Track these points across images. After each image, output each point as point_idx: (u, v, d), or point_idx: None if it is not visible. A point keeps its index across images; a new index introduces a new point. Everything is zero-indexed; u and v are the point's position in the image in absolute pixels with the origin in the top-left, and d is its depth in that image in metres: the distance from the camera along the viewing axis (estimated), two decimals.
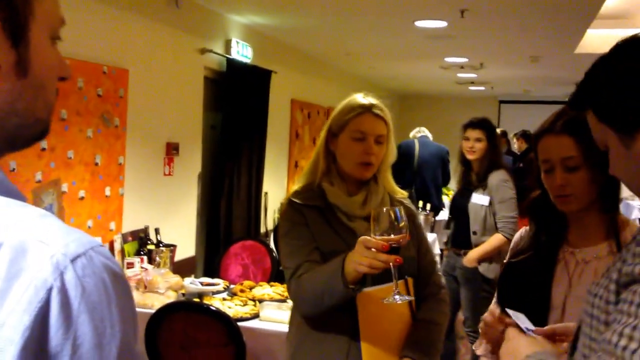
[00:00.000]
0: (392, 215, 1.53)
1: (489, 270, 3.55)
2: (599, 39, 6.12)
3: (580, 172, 1.47)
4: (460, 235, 3.64)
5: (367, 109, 1.80)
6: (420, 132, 6.30)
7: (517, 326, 1.25)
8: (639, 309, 0.84)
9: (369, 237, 1.53)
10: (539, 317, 1.45)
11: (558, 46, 6.16)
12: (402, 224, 1.54)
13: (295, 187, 1.88)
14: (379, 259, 1.49)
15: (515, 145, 8.03)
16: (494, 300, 1.66)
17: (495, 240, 3.48)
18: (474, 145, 3.52)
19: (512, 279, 1.62)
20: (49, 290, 0.59)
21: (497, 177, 3.50)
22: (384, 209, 1.56)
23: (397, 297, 1.58)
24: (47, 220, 0.65)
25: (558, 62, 7.11)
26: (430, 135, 6.29)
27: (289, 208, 1.82)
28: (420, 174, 5.94)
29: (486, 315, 1.46)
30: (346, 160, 1.81)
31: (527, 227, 1.67)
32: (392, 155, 1.88)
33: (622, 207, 7.20)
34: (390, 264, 1.50)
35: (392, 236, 1.52)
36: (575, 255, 1.52)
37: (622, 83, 0.95)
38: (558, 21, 5.04)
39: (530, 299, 1.52)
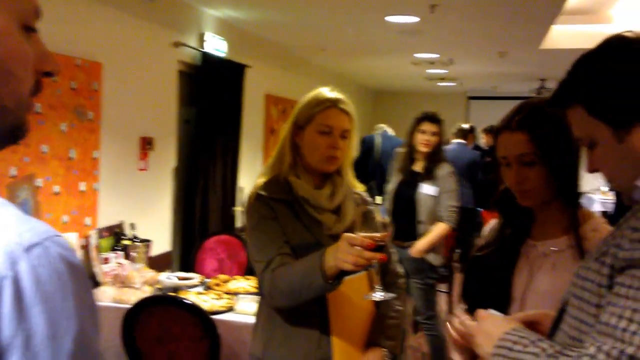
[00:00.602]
0: (377, 214, 1.57)
1: (436, 259, 3.72)
2: (563, 35, 6.26)
3: (536, 168, 1.49)
4: (403, 227, 3.67)
5: (334, 103, 1.81)
6: (380, 129, 6.85)
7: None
8: (638, 292, 0.87)
9: (353, 235, 1.55)
10: (500, 309, 1.46)
11: (524, 41, 6.27)
12: (385, 222, 1.58)
13: (261, 180, 1.86)
14: (364, 257, 1.51)
15: (483, 140, 8.17)
16: (458, 304, 1.66)
17: (440, 228, 3.65)
18: (430, 139, 3.64)
19: (476, 273, 1.65)
20: (1, 280, 0.57)
21: (445, 170, 3.70)
22: (369, 207, 1.60)
23: (380, 294, 1.61)
24: (3, 210, 0.63)
25: (524, 57, 7.25)
26: (390, 131, 6.58)
27: (257, 201, 1.80)
28: (381, 166, 6.14)
29: (456, 325, 1.39)
30: (312, 153, 1.81)
31: (497, 220, 1.69)
32: (355, 150, 1.90)
33: (584, 201, 7.45)
34: (375, 261, 1.53)
35: (377, 234, 1.54)
36: (537, 248, 1.54)
37: (617, 81, 0.99)
38: (524, 16, 5.14)
39: (492, 291, 1.54)
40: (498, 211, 1.67)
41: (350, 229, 1.80)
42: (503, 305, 1.51)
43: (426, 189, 3.66)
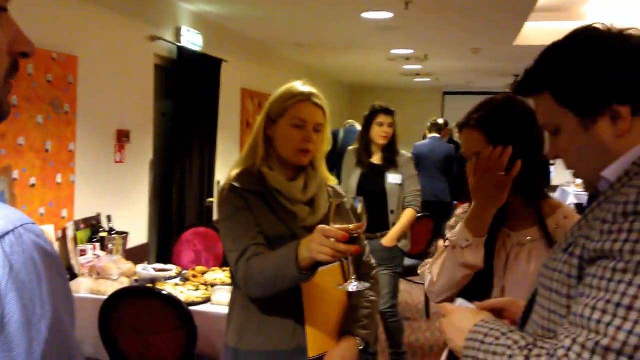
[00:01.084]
0: (352, 206, 1.58)
1: (406, 245, 3.82)
2: (536, 31, 6.38)
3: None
4: (373, 219, 3.73)
5: (307, 97, 1.83)
6: (348, 124, 7.14)
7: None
8: (610, 283, 0.88)
9: (328, 227, 1.56)
10: (483, 298, 1.50)
11: (498, 38, 6.37)
12: (360, 214, 1.60)
13: (234, 172, 1.86)
14: (338, 249, 1.52)
15: (457, 135, 8.28)
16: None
17: (409, 215, 3.74)
18: (388, 131, 3.72)
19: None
20: None
21: (405, 157, 3.82)
22: (343, 200, 1.64)
23: (355, 284, 1.63)
24: None
25: (498, 53, 7.35)
26: (358, 127, 6.73)
27: (231, 193, 1.80)
28: (341, 160, 6.36)
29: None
30: (285, 146, 1.82)
31: (464, 207, 1.72)
32: (328, 144, 1.91)
33: (558, 194, 7.57)
34: (349, 253, 1.55)
35: (351, 226, 1.56)
36: (512, 238, 1.59)
37: (585, 71, 1.01)
38: (498, 14, 5.22)
39: (474, 280, 1.58)
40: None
41: (324, 221, 1.81)
42: (486, 293, 1.55)
43: (392, 179, 3.73)
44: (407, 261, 4.46)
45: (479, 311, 1.17)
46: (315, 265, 1.63)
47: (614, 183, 1.01)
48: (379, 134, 3.73)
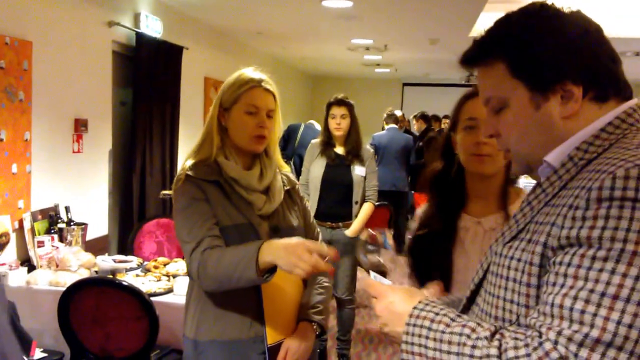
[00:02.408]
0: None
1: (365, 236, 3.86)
2: (491, 23, 6.50)
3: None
4: (337, 210, 3.79)
5: (258, 83, 1.83)
6: (309, 122, 7.45)
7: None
8: (589, 271, 0.83)
9: (312, 245, 1.56)
10: (445, 283, 1.54)
11: (454, 29, 6.45)
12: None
13: (189, 162, 1.84)
14: (319, 268, 1.53)
15: (415, 127, 8.40)
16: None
17: (369, 209, 3.83)
18: (341, 122, 3.75)
19: (419, 251, 1.70)
20: None
21: (369, 151, 3.88)
22: (295, 187, 1.65)
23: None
24: None
25: (455, 44, 7.41)
26: (318, 127, 6.93)
27: (186, 182, 1.78)
28: (299, 155, 6.53)
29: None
30: (239, 133, 1.81)
31: (423, 207, 1.75)
32: (280, 129, 1.92)
33: None
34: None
35: (326, 249, 1.55)
36: (482, 225, 1.60)
37: (548, 41, 0.97)
38: (454, 5, 5.29)
39: (437, 267, 1.60)
40: (432, 190, 1.71)
41: (279, 209, 1.86)
42: (447, 278, 1.57)
43: (358, 171, 3.79)
44: None
45: (412, 290, 1.12)
46: (274, 268, 1.62)
47: (557, 169, 0.98)
48: (332, 126, 3.76)
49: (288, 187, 1.95)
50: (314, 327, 1.84)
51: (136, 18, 4.87)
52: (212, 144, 1.83)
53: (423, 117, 8.21)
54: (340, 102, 3.77)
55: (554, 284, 0.87)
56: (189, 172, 1.80)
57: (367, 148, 3.91)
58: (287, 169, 2.01)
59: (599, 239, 0.84)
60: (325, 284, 1.94)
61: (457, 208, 1.64)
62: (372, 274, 1.18)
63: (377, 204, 3.92)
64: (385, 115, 7.10)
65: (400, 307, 1.03)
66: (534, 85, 0.98)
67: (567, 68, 0.97)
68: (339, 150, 3.81)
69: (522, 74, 0.99)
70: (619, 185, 0.85)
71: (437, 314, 0.97)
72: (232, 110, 1.82)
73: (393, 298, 1.06)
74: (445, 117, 8.39)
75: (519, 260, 0.96)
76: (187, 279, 2.96)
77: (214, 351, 1.77)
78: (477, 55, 1.06)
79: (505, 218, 1.57)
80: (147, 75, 4.90)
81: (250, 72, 1.86)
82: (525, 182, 7.64)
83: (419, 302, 1.02)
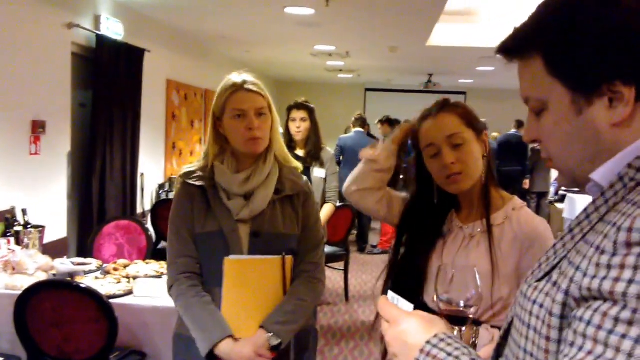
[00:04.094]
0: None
1: (325, 237, 3.90)
2: (447, 33, 6.69)
3: (466, 147, 1.51)
4: None
5: (240, 86, 1.84)
6: None
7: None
8: (610, 336, 0.67)
9: None
10: (417, 282, 1.55)
11: (412, 38, 6.61)
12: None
13: (188, 167, 1.92)
14: None
15: (380, 131, 8.51)
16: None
17: (329, 209, 3.88)
18: (301, 125, 3.81)
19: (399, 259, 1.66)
20: None
21: (329, 153, 3.93)
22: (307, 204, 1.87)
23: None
24: None
25: (413, 53, 7.62)
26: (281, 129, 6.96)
27: (181, 188, 1.88)
28: None
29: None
30: (234, 139, 1.84)
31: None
32: (278, 123, 1.93)
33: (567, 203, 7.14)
34: None
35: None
36: (464, 231, 1.58)
37: (591, 32, 0.78)
38: (411, 15, 5.42)
39: (410, 272, 1.58)
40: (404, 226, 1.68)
41: (266, 214, 1.85)
42: (418, 282, 1.56)
43: (317, 173, 3.83)
44: (327, 249, 4.62)
45: (432, 318, 0.92)
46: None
47: (605, 191, 0.80)
48: (292, 128, 3.82)
49: (290, 194, 1.90)
50: (269, 336, 1.78)
51: (96, 20, 4.83)
52: (209, 152, 1.89)
53: (388, 121, 8.31)
54: (299, 106, 3.82)
55: (572, 345, 0.72)
56: (182, 176, 1.90)
57: (328, 150, 3.95)
58: (296, 166, 1.98)
59: (624, 295, 0.67)
60: (303, 297, 1.87)
61: (446, 212, 1.62)
62: (391, 294, 1.02)
63: (339, 204, 3.97)
64: (353, 118, 7.24)
65: (413, 339, 0.87)
66: (574, 85, 0.80)
67: (616, 65, 0.77)
68: (300, 152, 3.86)
69: (560, 72, 0.81)
70: None
71: (449, 354, 0.82)
72: (224, 118, 1.86)
73: (406, 326, 0.89)
74: (407, 122, 8.51)
75: (541, 306, 0.79)
76: (148, 280, 2.98)
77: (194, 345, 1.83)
78: (513, 47, 0.87)
79: (486, 226, 1.54)
80: (108, 78, 4.85)
81: (234, 76, 1.88)
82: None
83: (435, 335, 0.86)
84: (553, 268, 0.81)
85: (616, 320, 0.67)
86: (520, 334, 0.84)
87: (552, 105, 0.82)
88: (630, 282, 0.67)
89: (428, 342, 0.84)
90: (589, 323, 0.70)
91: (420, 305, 1.54)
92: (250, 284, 1.82)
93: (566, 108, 0.81)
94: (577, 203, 6.92)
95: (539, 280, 0.83)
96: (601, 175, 0.80)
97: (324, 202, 3.87)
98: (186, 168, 1.92)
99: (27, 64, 3.99)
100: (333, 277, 6.17)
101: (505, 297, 1.47)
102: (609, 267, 0.70)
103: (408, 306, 0.98)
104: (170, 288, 1.87)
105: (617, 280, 0.68)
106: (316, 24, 5.86)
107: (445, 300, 1.15)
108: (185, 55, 7.09)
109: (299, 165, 2.01)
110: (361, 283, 6.27)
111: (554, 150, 0.85)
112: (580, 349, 0.70)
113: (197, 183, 1.86)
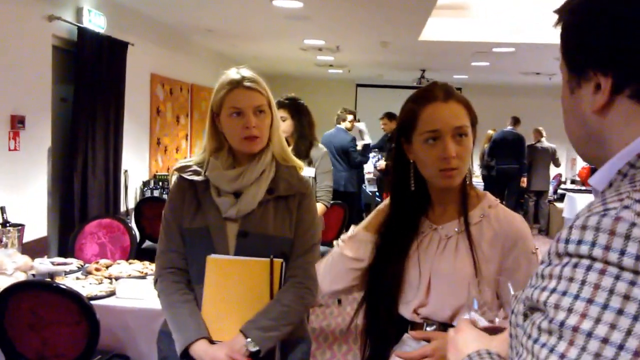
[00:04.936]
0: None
1: None
2: (439, 27, 6.62)
3: (467, 142, 1.43)
4: None
5: (238, 83, 1.79)
6: None
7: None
8: (534, 346, 0.69)
9: None
10: (394, 288, 1.49)
11: (405, 33, 6.54)
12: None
13: (183, 161, 1.90)
14: None
15: (383, 128, 8.38)
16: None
17: (320, 210, 3.70)
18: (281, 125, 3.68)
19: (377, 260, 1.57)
20: None
21: (320, 151, 3.74)
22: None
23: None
24: None
25: (405, 47, 7.55)
26: None
27: (175, 183, 1.87)
28: None
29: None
30: (231, 137, 1.80)
31: (387, 201, 1.61)
32: (279, 121, 1.89)
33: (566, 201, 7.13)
34: None
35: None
36: (438, 232, 1.49)
37: (593, 10, 0.77)
38: (403, 9, 5.35)
39: (388, 275, 1.51)
40: (393, 202, 1.58)
41: (257, 214, 1.79)
42: (394, 286, 1.50)
43: (306, 171, 3.71)
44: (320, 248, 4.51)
45: (480, 336, 0.99)
46: None
47: (601, 192, 0.78)
48: None
49: (284, 194, 1.84)
50: (248, 341, 1.72)
51: (78, 12, 4.71)
52: (206, 147, 1.87)
53: (390, 116, 8.11)
54: (278, 105, 3.66)
55: (517, 354, 0.73)
56: (176, 170, 1.88)
57: (320, 147, 3.77)
58: (297, 166, 1.93)
59: (544, 304, 0.69)
60: (292, 304, 1.79)
61: (419, 213, 1.54)
62: (472, 313, 1.07)
63: (330, 203, 3.86)
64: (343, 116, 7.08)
65: (463, 348, 0.96)
66: (567, 64, 0.82)
67: (594, 49, 0.77)
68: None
69: (562, 48, 0.83)
70: (575, 237, 0.68)
71: None
72: (221, 115, 1.81)
73: (463, 336, 1.01)
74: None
75: (516, 316, 0.79)
76: (131, 281, 2.89)
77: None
78: (557, 11, 0.85)
79: (464, 224, 1.46)
80: (90, 71, 4.74)
81: (232, 73, 1.83)
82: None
83: (477, 351, 0.91)
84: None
85: (539, 329, 0.69)
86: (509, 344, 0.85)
87: (562, 78, 0.85)
88: (552, 291, 0.68)
89: (468, 356, 0.91)
90: (524, 332, 0.72)
91: (398, 319, 1.52)
92: (233, 285, 1.77)
93: (565, 84, 0.83)
94: (577, 202, 6.76)
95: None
96: (597, 179, 0.79)
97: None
98: (182, 162, 1.90)
99: (6, 56, 3.87)
100: None
101: (489, 301, 1.39)
102: (542, 277, 0.71)
103: (485, 323, 1.05)
104: (155, 282, 1.88)
105: (543, 289, 0.70)
106: (305, 18, 5.77)
107: (488, 324, 1.09)
108: (170, 49, 6.98)
109: (300, 164, 1.95)
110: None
111: (564, 121, 0.87)
112: (520, 357, 0.71)
113: (190, 177, 1.83)
